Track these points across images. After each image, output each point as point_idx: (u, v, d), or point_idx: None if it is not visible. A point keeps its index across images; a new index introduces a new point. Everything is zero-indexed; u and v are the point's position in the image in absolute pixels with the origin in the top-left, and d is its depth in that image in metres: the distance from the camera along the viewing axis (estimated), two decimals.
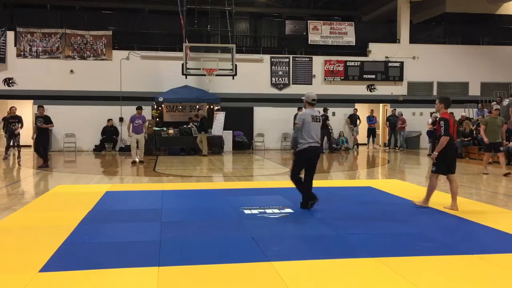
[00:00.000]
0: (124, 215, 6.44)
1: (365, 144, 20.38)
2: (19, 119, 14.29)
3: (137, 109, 13.74)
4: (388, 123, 20.02)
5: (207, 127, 16.65)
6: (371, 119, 20.01)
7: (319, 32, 20.14)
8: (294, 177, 6.77)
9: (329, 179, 10.95)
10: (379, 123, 21.18)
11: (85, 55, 18.45)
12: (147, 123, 13.76)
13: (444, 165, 6.84)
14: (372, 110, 20.25)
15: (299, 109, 18.67)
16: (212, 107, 18.64)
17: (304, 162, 6.64)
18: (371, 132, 20.14)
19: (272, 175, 11.84)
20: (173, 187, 9.06)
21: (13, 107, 14.81)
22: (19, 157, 13.96)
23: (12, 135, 14.13)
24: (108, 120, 18.10)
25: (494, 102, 17.40)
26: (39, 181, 10.57)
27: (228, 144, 17.82)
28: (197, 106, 19.07)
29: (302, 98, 6.93)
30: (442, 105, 6.91)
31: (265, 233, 5.44)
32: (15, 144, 14.14)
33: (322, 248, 4.90)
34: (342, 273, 4.15)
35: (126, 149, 17.83)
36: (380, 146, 21.16)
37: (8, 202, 7.67)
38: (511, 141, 13.48)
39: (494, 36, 21.59)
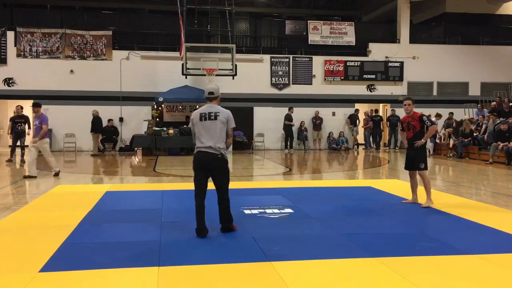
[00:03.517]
0: (124, 215, 6.44)
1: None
2: (25, 119, 13.84)
3: (32, 106, 10.77)
4: (388, 123, 20.02)
5: (99, 128, 17.14)
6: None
7: (319, 32, 20.14)
8: (195, 197, 5.38)
9: (329, 179, 10.94)
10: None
11: (85, 55, 18.44)
12: (47, 126, 10.54)
13: (427, 162, 7.23)
14: (371, 110, 20.22)
15: (290, 109, 18.73)
16: None
17: (196, 172, 5.37)
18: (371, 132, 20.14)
19: (272, 175, 11.84)
20: (173, 187, 9.06)
21: (19, 106, 14.27)
22: (23, 160, 13.53)
23: (18, 136, 13.69)
24: (109, 120, 18.09)
25: (494, 102, 17.42)
26: (39, 181, 10.56)
27: None
28: (197, 106, 19.05)
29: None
30: (413, 105, 7.21)
31: (265, 233, 5.43)
32: (21, 145, 13.72)
33: (322, 248, 4.90)
34: (342, 273, 4.15)
35: (126, 149, 17.86)
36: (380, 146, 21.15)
37: (8, 202, 7.67)
38: (511, 141, 13.48)
39: (494, 36, 21.58)
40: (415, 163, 7.12)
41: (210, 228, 5.36)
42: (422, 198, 7.27)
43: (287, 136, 18.68)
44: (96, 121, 17.17)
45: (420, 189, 7.36)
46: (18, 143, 13.90)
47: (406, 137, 7.28)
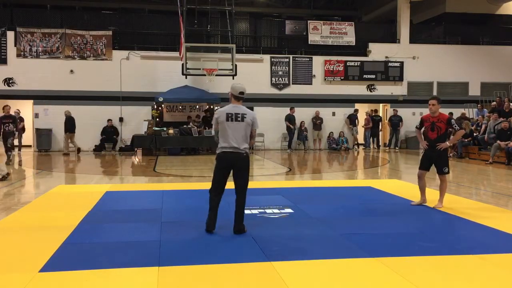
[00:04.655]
0: (124, 215, 6.43)
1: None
2: (13, 119, 13.29)
3: None
4: (390, 123, 20.02)
5: (72, 128, 17.16)
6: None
7: (319, 32, 20.14)
8: (210, 192, 5.46)
9: (330, 179, 10.94)
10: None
11: (85, 55, 18.44)
12: None
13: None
14: (371, 110, 20.24)
15: (291, 109, 18.75)
16: (212, 107, 18.64)
17: (218, 172, 5.40)
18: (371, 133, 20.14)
19: (272, 175, 11.84)
20: (173, 187, 9.06)
21: (7, 105, 13.56)
22: (7, 162, 12.84)
23: (6, 137, 13.06)
24: (108, 121, 18.08)
25: (494, 102, 17.41)
26: (39, 181, 10.57)
27: None
28: (197, 106, 19.08)
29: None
30: (439, 105, 6.88)
31: (265, 233, 5.43)
32: (6, 145, 13.02)
33: (322, 248, 4.90)
34: (342, 273, 4.16)
35: (126, 149, 17.86)
36: (380, 146, 21.17)
37: (8, 202, 7.67)
38: (511, 141, 13.47)
39: (494, 36, 21.59)
40: (436, 166, 6.92)
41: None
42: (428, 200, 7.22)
43: (289, 135, 18.77)
44: (69, 121, 17.19)
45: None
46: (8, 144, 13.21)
47: (429, 137, 6.94)
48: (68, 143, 17.24)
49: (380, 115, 20.51)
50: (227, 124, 5.29)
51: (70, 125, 17.18)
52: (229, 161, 5.31)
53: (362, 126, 20.03)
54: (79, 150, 17.04)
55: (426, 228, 5.80)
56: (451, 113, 18.05)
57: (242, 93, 5.39)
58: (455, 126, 6.81)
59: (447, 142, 6.85)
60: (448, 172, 6.93)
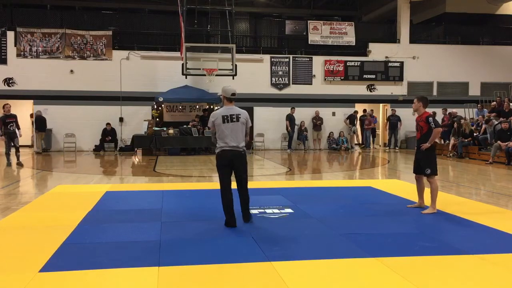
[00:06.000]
0: (124, 215, 6.43)
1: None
2: (15, 118, 12.89)
3: None
4: (388, 123, 20.01)
5: (43, 127, 17.54)
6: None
7: (319, 32, 20.13)
8: (221, 192, 5.76)
9: (330, 179, 10.94)
10: (379, 123, 21.19)
11: (85, 55, 18.44)
12: None
13: (435, 166, 6.79)
14: (365, 110, 20.22)
15: (292, 109, 18.76)
16: (212, 107, 18.64)
17: (221, 170, 5.69)
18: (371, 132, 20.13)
19: (272, 175, 11.84)
20: (173, 187, 9.06)
21: (7, 104, 13.06)
22: (18, 161, 12.74)
23: (11, 137, 12.73)
24: (107, 124, 18.01)
25: (494, 102, 17.41)
26: (39, 181, 10.57)
27: None
28: (197, 106, 19.07)
29: (219, 94, 6.10)
30: (420, 104, 6.78)
31: (265, 233, 5.43)
32: (15, 146, 12.72)
33: (322, 248, 4.90)
34: (342, 273, 4.16)
35: (126, 149, 17.86)
36: (380, 146, 21.18)
37: (8, 202, 7.67)
38: (511, 141, 13.47)
39: (494, 36, 21.60)
40: (421, 167, 6.77)
41: (211, 226, 5.37)
42: (428, 202, 7.11)
43: (289, 135, 18.80)
44: (39, 120, 17.43)
45: (427, 192, 7.13)
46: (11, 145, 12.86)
47: (416, 138, 6.92)
48: (40, 142, 17.50)
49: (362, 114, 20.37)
50: (224, 126, 5.59)
51: (40, 124, 17.42)
52: (228, 158, 5.61)
53: (364, 126, 19.93)
54: (45, 150, 17.49)
55: (426, 228, 5.80)
56: (450, 113, 18.17)
57: (233, 94, 5.69)
58: (432, 124, 6.62)
59: (427, 143, 6.64)
60: (430, 174, 6.64)
